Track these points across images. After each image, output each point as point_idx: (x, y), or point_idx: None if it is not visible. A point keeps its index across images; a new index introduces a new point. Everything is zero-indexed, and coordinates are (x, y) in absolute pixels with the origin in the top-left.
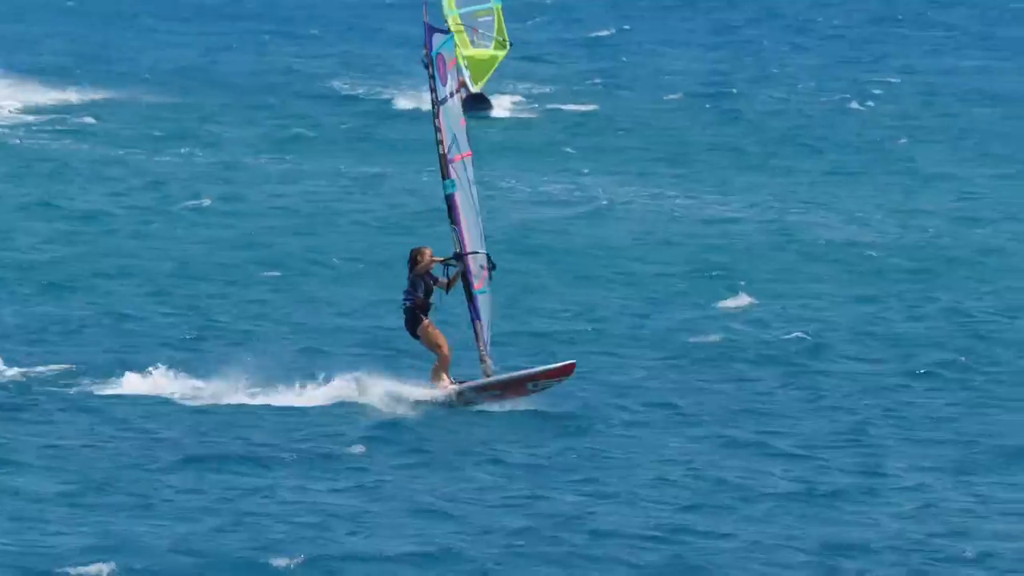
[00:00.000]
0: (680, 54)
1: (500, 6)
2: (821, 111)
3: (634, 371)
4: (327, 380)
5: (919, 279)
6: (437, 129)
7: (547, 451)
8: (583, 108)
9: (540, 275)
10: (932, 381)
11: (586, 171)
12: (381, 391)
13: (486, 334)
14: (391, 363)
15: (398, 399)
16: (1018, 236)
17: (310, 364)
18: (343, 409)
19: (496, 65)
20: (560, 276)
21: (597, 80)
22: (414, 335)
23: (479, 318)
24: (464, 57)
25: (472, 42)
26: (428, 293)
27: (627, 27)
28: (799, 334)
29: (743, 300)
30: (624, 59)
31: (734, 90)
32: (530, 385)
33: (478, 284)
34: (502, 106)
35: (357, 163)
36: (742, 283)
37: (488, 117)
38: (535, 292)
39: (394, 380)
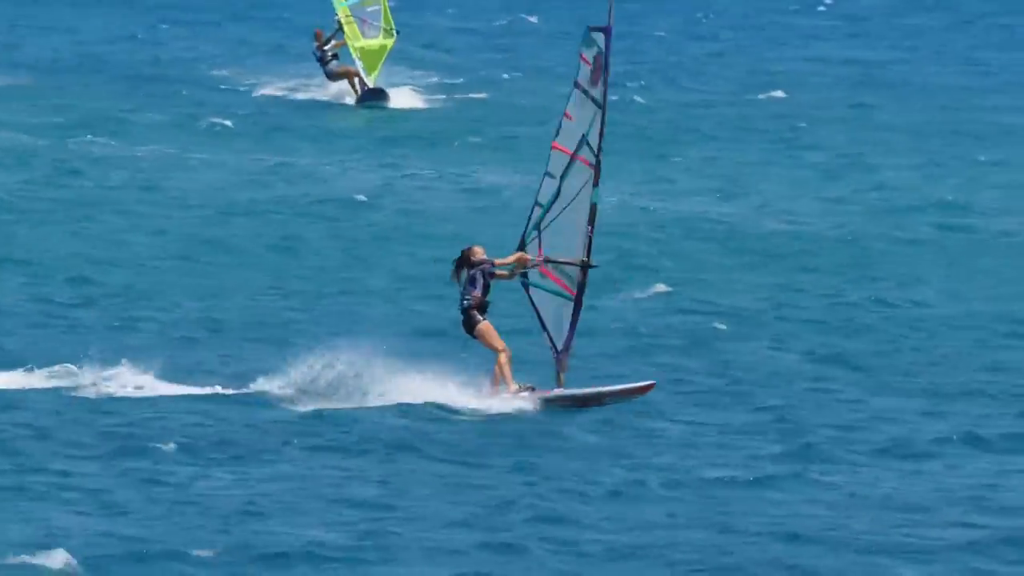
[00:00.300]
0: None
1: None
2: (725, 100)
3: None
4: (248, 370)
5: (830, 268)
6: (601, 136)
7: (476, 440)
8: (484, 98)
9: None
10: (849, 369)
11: (490, 161)
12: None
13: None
14: (297, 353)
15: (337, 391)
16: (927, 225)
17: (226, 354)
18: (266, 399)
19: (386, 55)
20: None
21: (499, 70)
22: (471, 335)
23: (574, 327)
24: (356, 49)
25: (363, 33)
26: (486, 291)
27: (528, 17)
28: (715, 323)
29: (658, 289)
30: (524, 49)
31: (641, 81)
32: (606, 400)
33: (567, 288)
34: (401, 97)
35: (260, 152)
36: (656, 272)
37: (386, 108)
38: (449, 283)
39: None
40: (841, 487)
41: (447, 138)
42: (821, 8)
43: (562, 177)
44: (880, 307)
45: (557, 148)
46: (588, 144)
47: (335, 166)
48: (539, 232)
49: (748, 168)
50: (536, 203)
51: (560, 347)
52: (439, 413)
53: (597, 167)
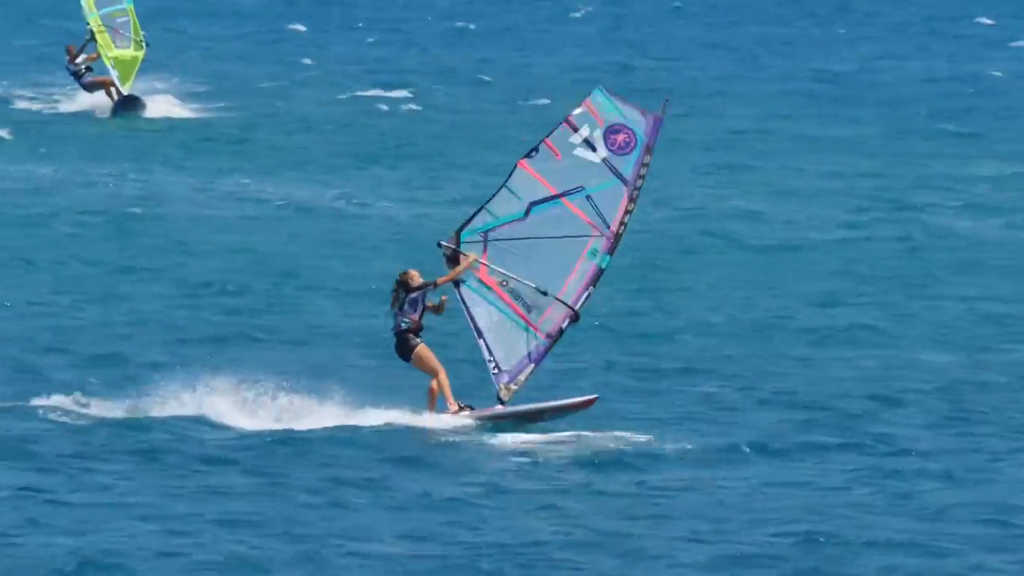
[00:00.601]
0: (352, 51)
1: (132, 6)
2: (492, 108)
3: (345, 371)
4: (28, 381)
5: (610, 277)
6: (629, 214)
7: (272, 450)
8: (247, 106)
9: (235, 275)
10: (633, 378)
11: (251, 170)
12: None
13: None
14: (80, 363)
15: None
16: (701, 234)
17: (3, 364)
18: (49, 410)
19: (138, 66)
20: (252, 276)
21: (263, 78)
22: (405, 358)
23: (539, 364)
24: (109, 59)
25: (115, 43)
26: (423, 314)
27: (293, 25)
28: None
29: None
30: (289, 57)
31: (412, 88)
32: (546, 416)
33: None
34: (161, 106)
35: (22, 163)
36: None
37: (146, 117)
38: (239, 294)
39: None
40: (626, 495)
41: (209, 147)
42: (575, 15)
43: (534, 204)
44: (663, 315)
45: (526, 169)
46: (592, 204)
47: (98, 177)
48: (485, 240)
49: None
50: (485, 208)
51: (506, 369)
52: (233, 422)
53: (616, 239)
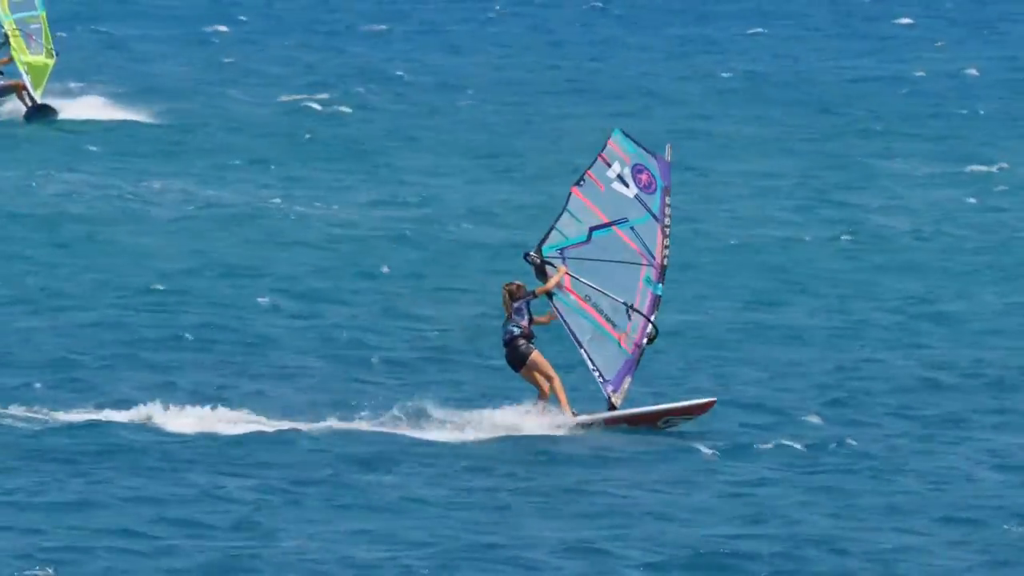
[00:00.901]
0: (276, 52)
1: (44, 13)
2: (421, 105)
3: (286, 372)
4: None
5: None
6: (667, 247)
7: (210, 449)
8: (179, 108)
9: (170, 277)
10: (577, 378)
11: (187, 173)
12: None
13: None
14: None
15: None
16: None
17: None
18: (11, 419)
19: (48, 73)
20: (187, 278)
21: (192, 79)
22: (517, 367)
23: (630, 373)
24: (23, 63)
25: (28, 48)
26: (531, 321)
27: (221, 27)
28: (432, 330)
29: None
30: (221, 57)
31: (337, 89)
32: (660, 422)
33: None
34: (86, 108)
35: None
36: (374, 279)
37: (68, 119)
38: (174, 295)
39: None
40: (577, 495)
41: (136, 148)
42: (492, 14)
43: (593, 228)
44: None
45: (579, 196)
46: (637, 234)
47: (21, 180)
48: (563, 257)
49: (442, 175)
50: (556, 228)
51: (609, 379)
52: (175, 427)
53: (662, 270)
